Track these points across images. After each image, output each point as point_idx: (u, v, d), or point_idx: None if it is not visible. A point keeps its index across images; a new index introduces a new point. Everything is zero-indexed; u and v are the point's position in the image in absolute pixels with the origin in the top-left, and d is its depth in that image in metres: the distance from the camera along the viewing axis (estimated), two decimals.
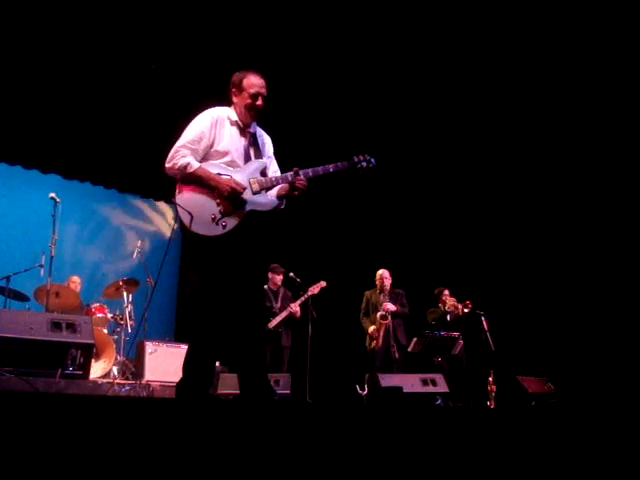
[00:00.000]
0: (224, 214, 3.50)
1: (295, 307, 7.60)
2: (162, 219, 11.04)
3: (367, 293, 8.13)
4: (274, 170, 3.85)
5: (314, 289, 7.60)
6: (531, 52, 7.70)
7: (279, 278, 7.84)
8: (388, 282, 7.93)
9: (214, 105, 3.79)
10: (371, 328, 7.75)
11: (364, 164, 3.83)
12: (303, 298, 7.64)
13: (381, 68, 8.41)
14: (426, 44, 7.95)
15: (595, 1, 6.83)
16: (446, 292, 8.32)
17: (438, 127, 9.10)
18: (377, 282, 8.04)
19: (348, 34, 7.84)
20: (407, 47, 8.05)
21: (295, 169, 3.67)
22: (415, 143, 9.35)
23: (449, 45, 7.92)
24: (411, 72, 8.43)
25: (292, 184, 3.67)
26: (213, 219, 3.48)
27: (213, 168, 3.57)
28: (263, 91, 3.71)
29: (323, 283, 7.67)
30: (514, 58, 7.89)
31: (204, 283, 3.52)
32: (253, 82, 3.71)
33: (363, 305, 8.07)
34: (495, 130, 8.81)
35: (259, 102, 3.69)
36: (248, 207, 3.57)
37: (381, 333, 7.67)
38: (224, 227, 3.49)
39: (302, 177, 3.65)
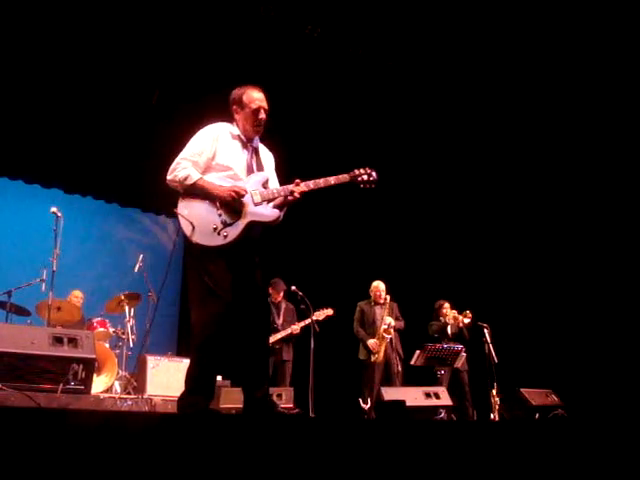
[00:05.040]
0: (226, 224, 3.51)
1: (296, 329, 7.58)
2: (164, 233, 11.04)
3: (361, 304, 8.10)
4: (273, 187, 3.85)
5: (319, 315, 7.41)
6: (529, 58, 7.72)
7: (280, 293, 7.84)
8: (383, 294, 7.92)
9: (214, 120, 3.83)
10: (371, 341, 7.71)
11: (365, 177, 3.85)
12: (306, 322, 7.49)
13: (377, 81, 8.45)
14: (420, 50, 7.99)
15: (595, 1, 6.85)
16: (446, 305, 8.29)
17: (437, 136, 9.12)
18: (372, 294, 8.03)
19: (345, 42, 7.90)
20: (402, 56, 8.10)
21: (296, 180, 3.70)
22: (413, 153, 9.37)
23: (444, 53, 7.96)
24: (407, 84, 8.48)
25: (286, 199, 3.70)
26: (215, 229, 3.50)
27: (214, 180, 3.61)
28: (264, 104, 3.77)
29: (330, 311, 7.48)
30: (511, 69, 7.92)
31: (205, 294, 3.51)
32: (254, 97, 3.76)
33: (357, 316, 8.03)
34: (494, 138, 8.82)
35: (262, 116, 3.75)
36: (250, 218, 3.58)
37: (382, 347, 7.65)
38: (225, 237, 3.50)
39: (303, 188, 3.68)
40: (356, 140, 9.08)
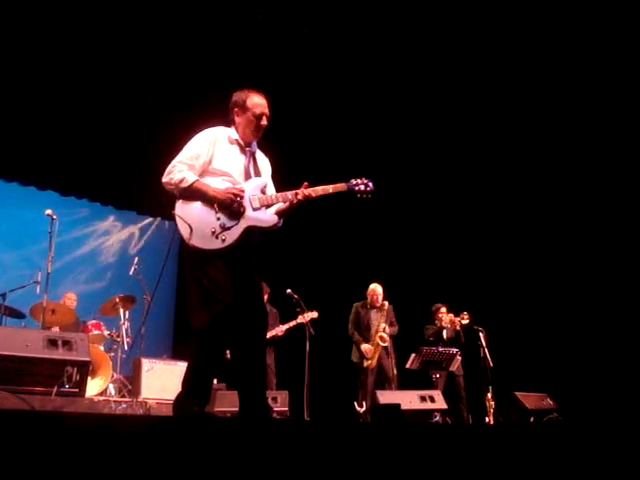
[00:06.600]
0: (224, 228, 3.51)
1: (281, 332, 7.55)
2: (159, 235, 11.02)
3: (357, 305, 8.08)
4: (271, 192, 3.86)
5: (304, 318, 7.45)
6: (526, 60, 7.72)
7: (265, 297, 7.80)
8: (380, 298, 7.91)
9: (210, 123, 3.82)
10: (365, 346, 7.69)
11: (362, 187, 3.86)
12: (292, 324, 7.56)
13: (374, 83, 8.46)
14: (417, 52, 8.00)
15: (595, 1, 6.86)
16: (443, 309, 8.28)
17: (434, 139, 9.13)
18: (368, 296, 8.02)
19: (341, 45, 7.91)
20: (399, 58, 8.11)
21: (305, 183, 3.72)
22: (410, 156, 9.38)
23: (441, 55, 7.97)
24: (403, 86, 8.49)
25: (291, 203, 3.70)
26: (213, 233, 3.49)
27: (212, 183, 3.59)
28: (267, 111, 3.77)
29: (315, 314, 7.50)
30: (508, 70, 7.93)
31: (204, 297, 3.49)
32: (257, 102, 3.75)
33: (352, 317, 8.02)
34: (490, 142, 8.83)
35: (264, 122, 3.75)
36: (248, 222, 3.58)
37: (376, 354, 7.65)
38: (223, 241, 3.49)
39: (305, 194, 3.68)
40: (352, 143, 9.10)
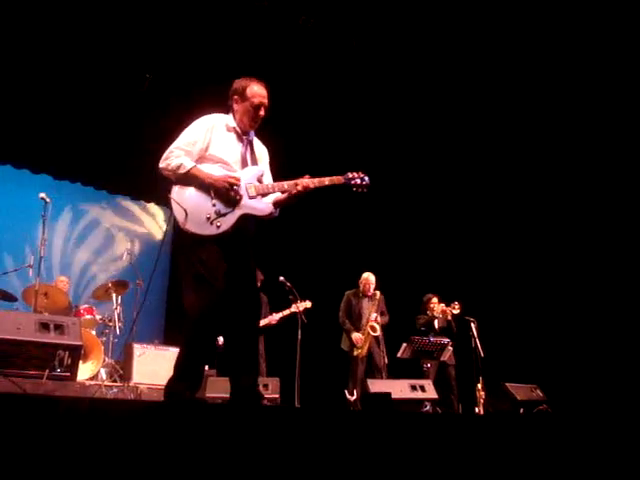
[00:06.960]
0: (219, 214, 3.51)
1: (274, 321, 7.56)
2: (152, 221, 11.00)
3: (349, 293, 8.09)
4: (267, 181, 3.86)
5: (297, 307, 7.46)
6: (528, 50, 7.70)
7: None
8: (372, 288, 7.92)
9: (205, 109, 3.81)
10: (356, 335, 7.71)
11: (358, 181, 3.85)
12: (286, 313, 7.59)
13: (371, 72, 8.44)
14: (414, 40, 7.96)
15: (595, 1, 6.84)
16: (434, 299, 8.30)
17: (423, 131, 9.11)
18: (361, 285, 8.03)
19: (338, 33, 7.88)
20: (396, 46, 8.08)
21: (306, 176, 3.72)
22: (403, 147, 9.36)
23: (441, 44, 7.93)
24: (399, 74, 8.46)
25: (288, 192, 3.70)
26: (208, 219, 3.49)
27: (209, 169, 3.59)
28: (266, 101, 3.75)
29: (308, 304, 7.53)
30: (508, 64, 7.92)
31: (197, 282, 3.50)
32: (257, 92, 3.74)
33: (344, 306, 8.02)
34: (480, 131, 8.82)
35: (262, 112, 3.74)
36: (243, 210, 3.58)
37: (367, 344, 7.67)
38: (218, 227, 3.49)
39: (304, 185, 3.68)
40: (348, 132, 9.07)
